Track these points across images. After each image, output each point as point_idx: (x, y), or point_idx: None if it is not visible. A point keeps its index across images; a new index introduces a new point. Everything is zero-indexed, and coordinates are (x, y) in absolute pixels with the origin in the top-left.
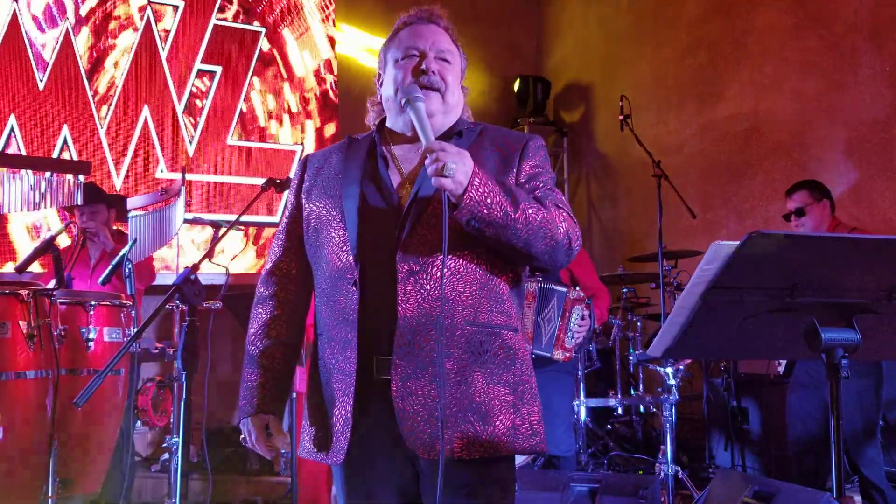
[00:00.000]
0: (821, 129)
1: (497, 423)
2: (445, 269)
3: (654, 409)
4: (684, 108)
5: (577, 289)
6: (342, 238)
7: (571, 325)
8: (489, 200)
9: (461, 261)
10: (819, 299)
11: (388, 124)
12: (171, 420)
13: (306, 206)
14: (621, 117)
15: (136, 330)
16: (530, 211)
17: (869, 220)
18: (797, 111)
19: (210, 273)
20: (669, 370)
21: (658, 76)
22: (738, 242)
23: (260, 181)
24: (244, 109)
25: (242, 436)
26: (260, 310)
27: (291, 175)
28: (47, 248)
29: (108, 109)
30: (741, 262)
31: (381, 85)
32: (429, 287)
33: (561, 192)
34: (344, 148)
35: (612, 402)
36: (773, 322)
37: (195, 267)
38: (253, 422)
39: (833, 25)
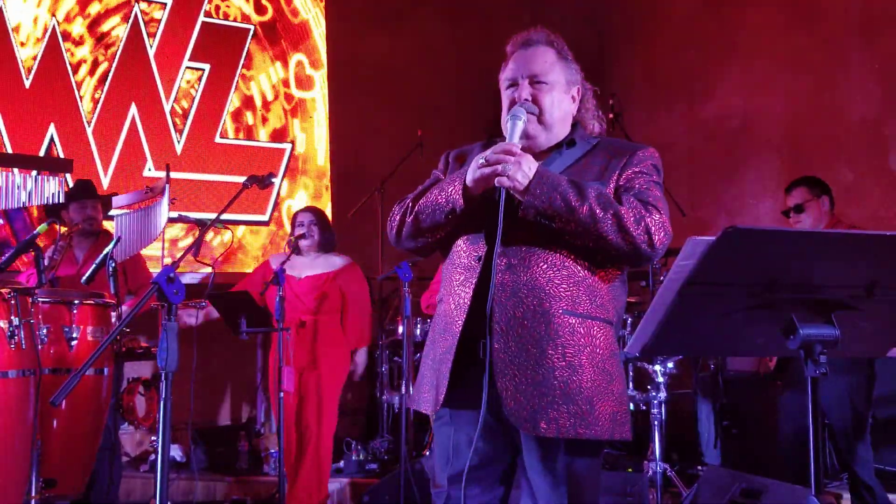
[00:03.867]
0: (811, 126)
1: (601, 408)
2: (543, 264)
3: (644, 407)
4: (674, 106)
5: None
6: (472, 220)
7: None
8: (552, 197)
9: (558, 256)
10: (797, 295)
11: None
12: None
13: None
14: (611, 115)
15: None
16: (598, 205)
17: (858, 217)
18: (787, 109)
19: (198, 272)
20: (658, 368)
21: (648, 73)
22: (713, 238)
23: None
24: (233, 107)
25: (481, 161)
26: (404, 202)
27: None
28: (28, 247)
29: (96, 107)
30: (718, 258)
31: None
32: (525, 279)
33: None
34: (481, 146)
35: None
36: (751, 318)
37: (176, 264)
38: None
39: (823, 23)
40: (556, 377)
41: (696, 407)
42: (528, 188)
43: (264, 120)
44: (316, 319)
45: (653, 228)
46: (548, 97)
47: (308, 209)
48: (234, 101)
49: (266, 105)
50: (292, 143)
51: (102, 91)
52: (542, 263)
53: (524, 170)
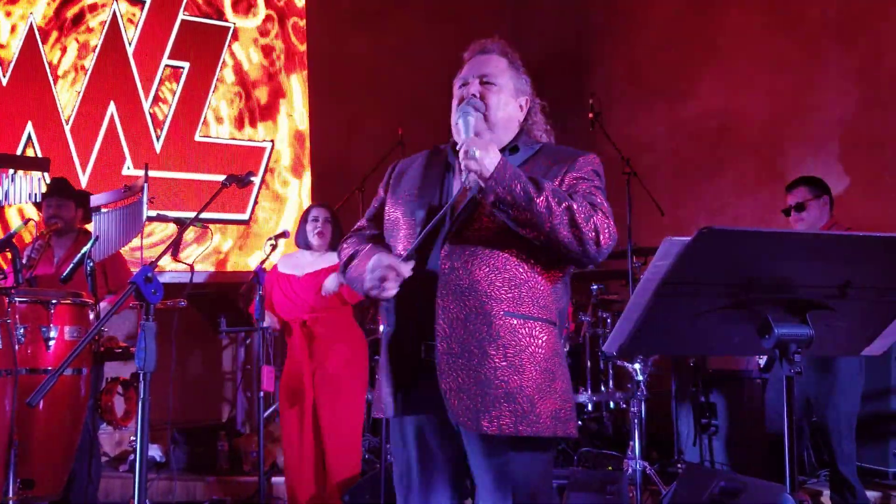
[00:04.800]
0: (790, 127)
1: (542, 406)
2: (485, 266)
3: (624, 406)
4: (655, 105)
5: None
6: (409, 235)
7: None
8: (512, 184)
9: (501, 258)
10: (772, 295)
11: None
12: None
13: (388, 202)
14: (591, 115)
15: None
16: (554, 198)
17: (839, 217)
18: (767, 110)
19: (177, 271)
20: (638, 366)
21: (630, 73)
22: (689, 238)
23: None
24: (212, 105)
25: (372, 268)
26: (351, 240)
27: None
28: (5, 246)
29: (74, 105)
30: (694, 258)
31: None
32: (467, 281)
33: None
34: (428, 155)
35: (582, 398)
36: (727, 318)
37: (154, 264)
38: (381, 255)
39: (802, 25)
40: (497, 377)
41: (676, 405)
42: (492, 174)
43: (246, 117)
44: (317, 317)
45: (600, 227)
46: (495, 97)
47: (323, 205)
48: (213, 99)
49: (247, 102)
50: (272, 141)
51: (80, 89)
52: (484, 266)
53: (491, 156)
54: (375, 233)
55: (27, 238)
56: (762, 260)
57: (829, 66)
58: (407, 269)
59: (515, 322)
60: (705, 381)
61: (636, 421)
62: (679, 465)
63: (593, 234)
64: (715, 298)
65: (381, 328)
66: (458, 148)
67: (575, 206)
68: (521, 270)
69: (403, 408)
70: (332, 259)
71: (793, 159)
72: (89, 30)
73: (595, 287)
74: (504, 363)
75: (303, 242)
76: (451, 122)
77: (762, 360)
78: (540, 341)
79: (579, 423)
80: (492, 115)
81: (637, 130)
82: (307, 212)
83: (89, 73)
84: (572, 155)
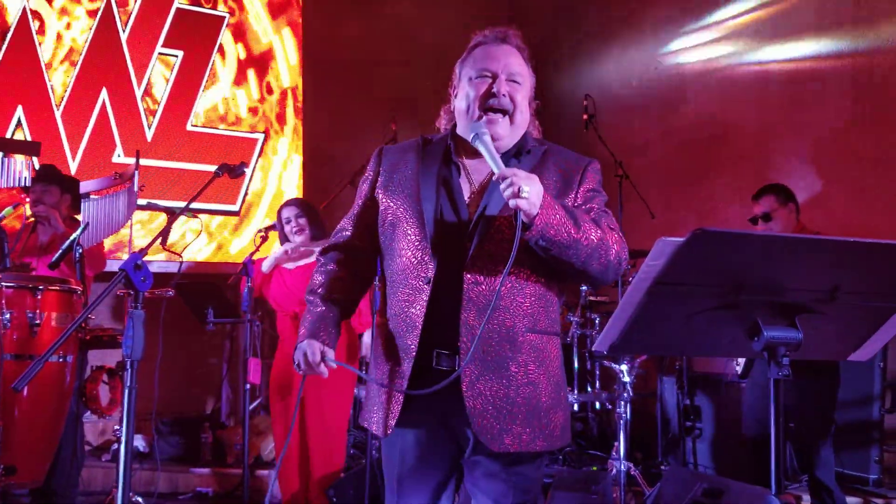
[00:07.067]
0: (781, 136)
1: (555, 419)
2: (508, 283)
3: (610, 406)
4: (649, 111)
5: None
6: (419, 237)
7: None
8: (556, 222)
9: (522, 275)
10: (762, 298)
11: (458, 132)
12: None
13: (383, 200)
14: (585, 116)
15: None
16: (591, 233)
17: (825, 225)
18: (759, 119)
19: (167, 261)
20: (624, 367)
21: (624, 76)
22: (683, 239)
23: None
24: (205, 95)
25: (296, 360)
26: (325, 268)
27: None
28: None
29: (65, 91)
30: (686, 259)
31: (455, 96)
32: (490, 298)
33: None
34: (419, 148)
35: (568, 398)
36: (717, 319)
37: (143, 252)
38: (312, 344)
39: (795, 34)
40: (520, 394)
41: (661, 407)
42: (540, 216)
43: (239, 108)
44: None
45: (622, 257)
46: (520, 96)
47: (291, 203)
48: (206, 89)
49: (240, 93)
50: (265, 132)
51: (73, 75)
52: (507, 283)
53: (537, 192)
54: (357, 243)
55: (16, 224)
56: (753, 263)
57: (820, 78)
58: (324, 372)
59: (534, 338)
60: (690, 383)
61: (621, 422)
62: (663, 467)
63: (617, 265)
64: (706, 299)
65: (378, 326)
66: (494, 178)
67: (604, 239)
68: (539, 286)
69: (406, 422)
70: None
71: (783, 169)
72: (84, 14)
73: (584, 288)
74: (525, 380)
75: (264, 240)
76: (457, 111)
77: (739, 367)
78: (553, 355)
79: None
80: (517, 116)
81: (631, 133)
82: (279, 215)
83: (81, 58)
84: (578, 162)
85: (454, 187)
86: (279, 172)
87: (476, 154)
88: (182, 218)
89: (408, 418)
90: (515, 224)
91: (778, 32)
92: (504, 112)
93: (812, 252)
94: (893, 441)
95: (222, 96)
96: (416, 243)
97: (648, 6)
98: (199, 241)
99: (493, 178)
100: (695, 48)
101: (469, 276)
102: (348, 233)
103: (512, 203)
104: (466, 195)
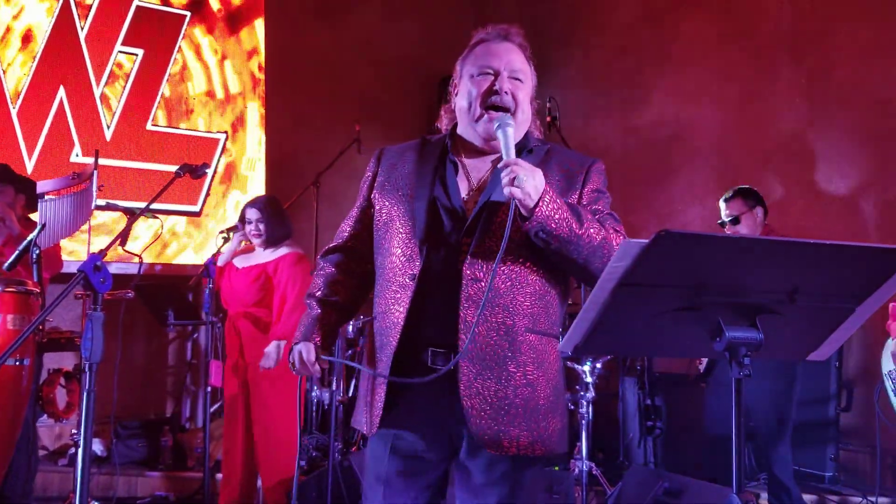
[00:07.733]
0: (740, 137)
1: (553, 424)
2: (508, 280)
3: (572, 407)
4: (610, 112)
5: None
6: (409, 235)
7: None
8: (557, 216)
9: (522, 272)
10: (724, 299)
11: (458, 131)
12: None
13: (379, 200)
14: (549, 119)
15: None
16: (592, 230)
17: (782, 227)
18: (718, 119)
19: (125, 262)
20: (587, 368)
21: (586, 79)
22: (647, 241)
23: None
24: (166, 94)
25: (291, 360)
26: (323, 272)
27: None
28: None
29: (21, 88)
30: (650, 261)
31: (455, 94)
32: (489, 295)
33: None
34: (418, 148)
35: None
36: (680, 320)
37: (102, 253)
38: (307, 345)
39: (755, 38)
40: (518, 395)
41: (623, 407)
42: (538, 206)
43: (200, 107)
44: (249, 312)
45: None
46: (523, 94)
47: (254, 203)
48: (167, 88)
49: (201, 92)
50: (226, 132)
51: (29, 71)
52: (507, 280)
53: (538, 184)
54: (355, 245)
55: None
56: (716, 264)
57: (779, 80)
58: (318, 371)
59: (533, 339)
60: (651, 383)
61: (584, 422)
62: (625, 467)
63: None
64: (670, 300)
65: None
66: (499, 166)
67: (608, 238)
68: (540, 285)
69: (395, 422)
70: (276, 253)
71: (741, 170)
72: (41, 10)
73: None
74: (523, 381)
75: (225, 240)
76: (457, 108)
77: (702, 366)
78: (552, 358)
79: None
80: (519, 115)
81: (591, 135)
82: (242, 213)
83: (38, 55)
84: (582, 162)
85: (450, 185)
86: (241, 172)
87: (476, 152)
88: (143, 218)
89: (401, 417)
90: (509, 212)
91: (738, 34)
92: (506, 110)
93: (771, 254)
94: (849, 439)
95: (184, 95)
96: (406, 241)
97: (610, 12)
98: (160, 241)
99: (498, 166)
100: (656, 51)
101: (468, 272)
102: (347, 235)
103: (506, 191)
104: (464, 192)
